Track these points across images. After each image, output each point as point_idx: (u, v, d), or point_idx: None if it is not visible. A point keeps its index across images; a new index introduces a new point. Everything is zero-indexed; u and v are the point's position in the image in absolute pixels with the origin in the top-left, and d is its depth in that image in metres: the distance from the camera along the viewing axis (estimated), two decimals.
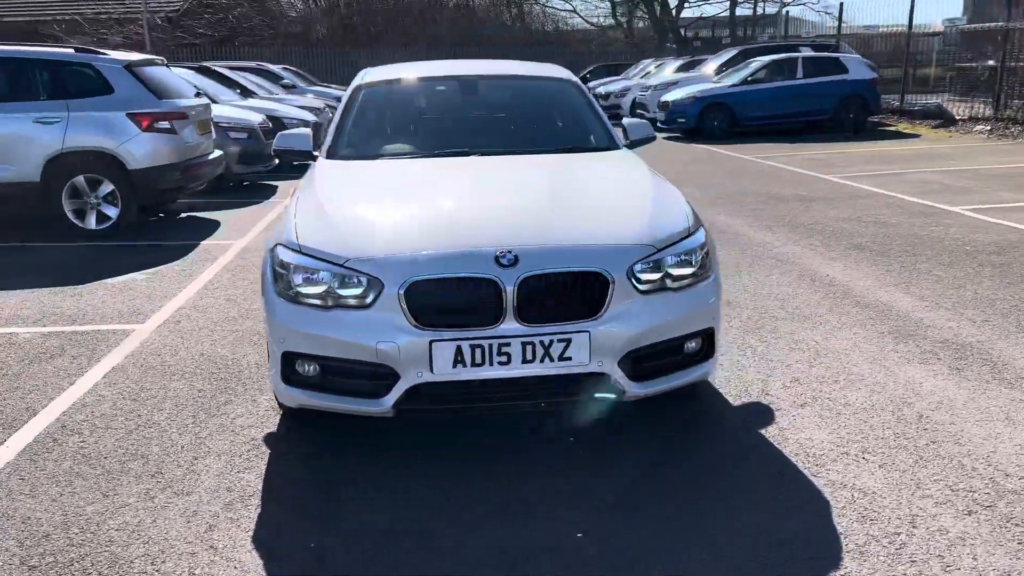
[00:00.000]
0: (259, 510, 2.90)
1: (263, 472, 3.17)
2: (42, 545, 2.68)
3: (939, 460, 3.16)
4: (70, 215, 7.69)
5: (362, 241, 3.15)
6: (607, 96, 22.52)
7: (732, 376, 4.05)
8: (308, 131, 4.61)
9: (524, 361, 2.99)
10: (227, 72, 14.91)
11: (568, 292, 3.05)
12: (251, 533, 2.74)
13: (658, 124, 17.64)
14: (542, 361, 3.01)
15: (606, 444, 3.38)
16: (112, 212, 7.75)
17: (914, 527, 2.71)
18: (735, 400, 3.79)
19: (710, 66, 19.66)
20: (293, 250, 3.20)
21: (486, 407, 3.21)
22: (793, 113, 16.34)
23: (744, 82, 16.51)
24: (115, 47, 15.76)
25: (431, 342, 2.95)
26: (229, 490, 3.03)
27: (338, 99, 14.35)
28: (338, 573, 2.53)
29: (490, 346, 2.97)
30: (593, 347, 3.02)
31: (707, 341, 3.35)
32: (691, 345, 3.30)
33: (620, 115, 21.80)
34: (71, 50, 7.89)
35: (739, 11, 40.14)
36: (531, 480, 3.10)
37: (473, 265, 2.99)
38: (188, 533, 2.75)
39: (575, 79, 4.99)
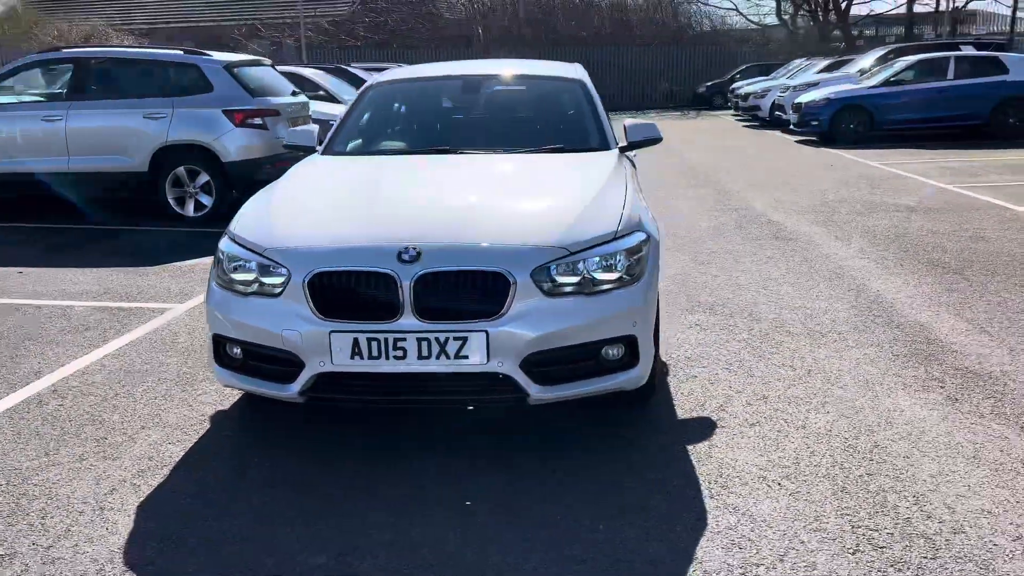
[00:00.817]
0: (163, 480, 3.11)
1: (188, 447, 3.39)
2: None
3: (861, 494, 2.89)
4: (172, 203, 8.41)
5: (284, 233, 3.29)
6: (746, 97, 21.73)
7: (698, 389, 3.87)
8: (315, 128, 4.82)
9: (420, 357, 3.02)
10: (361, 73, 15.77)
11: (468, 291, 3.04)
12: (142, 499, 2.95)
13: (791, 126, 16.88)
14: (438, 358, 3.02)
15: (507, 444, 3.33)
16: (207, 201, 8.41)
17: (781, 560, 2.51)
18: (684, 414, 3.63)
19: (856, 66, 18.51)
20: (230, 239, 3.40)
21: (387, 401, 3.26)
22: (941, 117, 15.06)
23: (886, 83, 15.40)
24: (268, 50, 16.93)
25: (330, 332, 3.04)
26: (150, 459, 3.26)
27: None
28: (204, 536, 2.68)
29: (386, 340, 3.02)
30: (492, 347, 3.00)
31: (628, 350, 3.24)
32: (610, 352, 3.20)
33: (758, 116, 20.96)
34: (180, 51, 8.62)
35: (918, 7, 37.42)
36: (430, 475, 3.12)
37: (373, 260, 3.05)
38: (89, 493, 3.00)
39: (584, 79, 4.92)
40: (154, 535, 2.72)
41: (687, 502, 2.88)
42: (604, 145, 4.45)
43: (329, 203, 3.62)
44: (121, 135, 8.27)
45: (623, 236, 3.29)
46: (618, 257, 3.22)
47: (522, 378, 3.06)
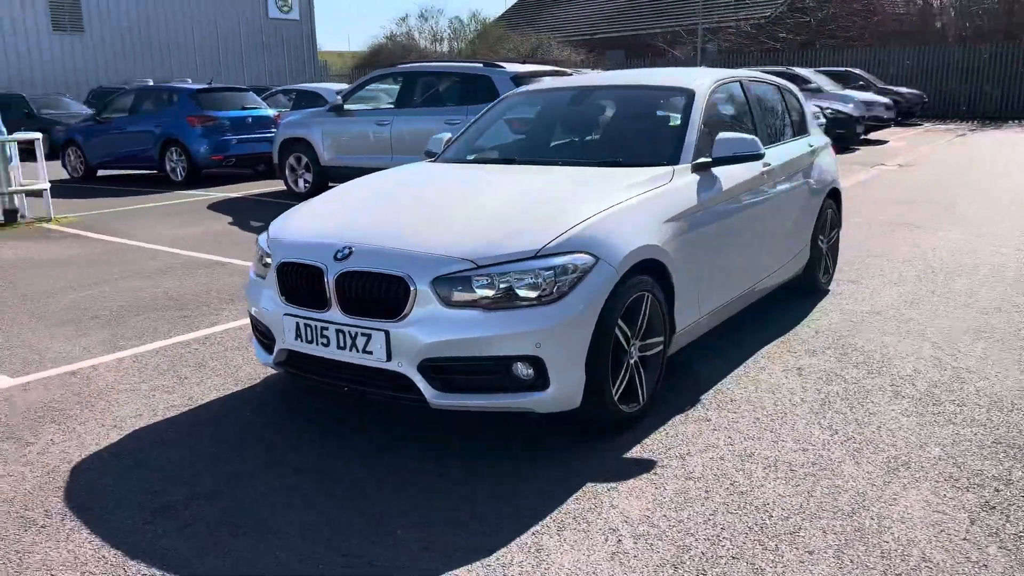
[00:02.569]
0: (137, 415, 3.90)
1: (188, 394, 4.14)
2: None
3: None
4: None
5: (288, 228, 3.83)
6: None
7: (668, 430, 3.52)
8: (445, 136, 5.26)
9: (338, 347, 3.36)
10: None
11: (377, 292, 3.27)
12: (103, 417, 3.76)
13: None
14: (350, 350, 3.32)
15: (421, 437, 3.44)
16: None
17: None
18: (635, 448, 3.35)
19: None
20: (264, 232, 4.05)
21: (325, 382, 3.59)
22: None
23: None
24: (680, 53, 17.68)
25: (283, 315, 3.53)
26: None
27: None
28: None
29: (315, 327, 3.42)
30: (392, 347, 3.21)
31: (537, 370, 3.16)
32: (521, 370, 3.16)
33: None
34: (479, 64, 9.65)
35: None
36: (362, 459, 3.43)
37: (313, 255, 3.45)
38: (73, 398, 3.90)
39: (694, 87, 4.56)
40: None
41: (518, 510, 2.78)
42: (673, 159, 4.16)
43: (345, 205, 4.06)
44: (428, 138, 9.57)
45: (552, 255, 3.20)
46: (539, 275, 3.16)
47: (420, 380, 3.20)
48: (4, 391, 4.21)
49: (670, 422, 3.66)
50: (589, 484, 3.10)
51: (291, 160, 11.01)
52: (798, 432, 3.53)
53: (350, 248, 3.37)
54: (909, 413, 3.71)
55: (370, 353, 3.26)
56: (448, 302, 3.17)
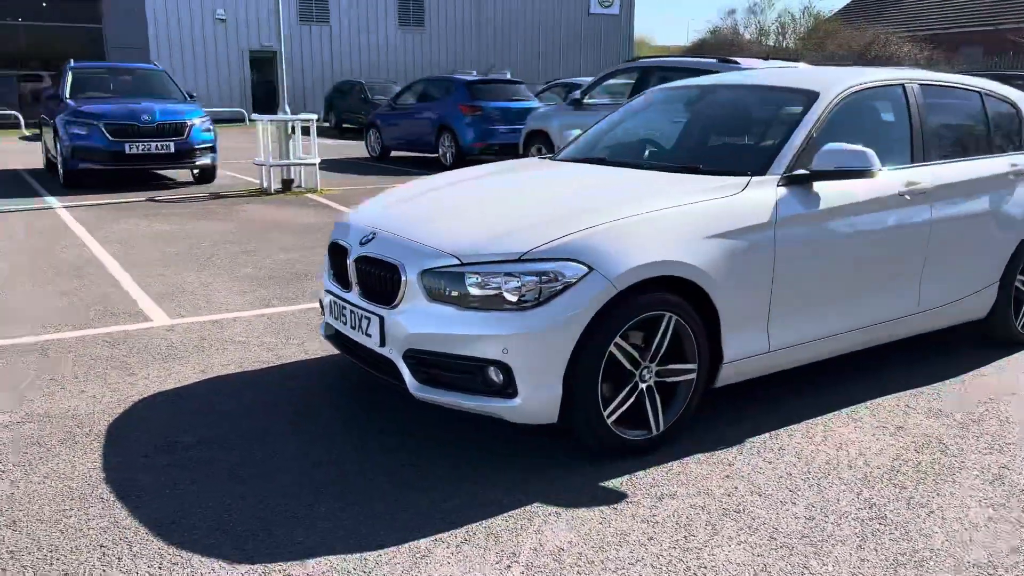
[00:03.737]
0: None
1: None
2: None
3: None
4: None
5: (357, 210, 4.03)
6: None
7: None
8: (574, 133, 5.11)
9: (351, 327, 3.51)
10: None
11: (382, 278, 3.36)
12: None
13: None
14: (356, 330, 3.46)
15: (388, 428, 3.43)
16: None
17: None
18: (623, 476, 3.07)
19: None
20: None
21: (353, 360, 3.71)
22: None
23: None
24: None
25: (325, 291, 3.77)
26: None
27: None
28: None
29: (339, 306, 3.61)
30: (385, 333, 3.31)
31: (505, 377, 3.04)
32: (493, 374, 3.08)
33: None
34: (713, 60, 9.15)
35: None
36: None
37: (348, 237, 3.64)
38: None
39: (820, 89, 3.93)
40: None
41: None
42: (760, 169, 3.67)
43: (406, 194, 4.14)
44: None
45: (538, 260, 3.05)
46: (521, 279, 3.04)
47: (404, 369, 3.25)
48: (154, 328, 4.98)
49: (686, 458, 3.30)
50: (537, 504, 2.93)
51: (532, 151, 11.38)
52: (824, 502, 2.99)
53: (374, 233, 3.50)
54: (994, 520, 2.96)
55: (370, 336, 3.37)
56: (432, 295, 3.16)
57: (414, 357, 3.20)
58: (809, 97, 3.99)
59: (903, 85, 4.30)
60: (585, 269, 3.05)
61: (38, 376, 4.13)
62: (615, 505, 2.94)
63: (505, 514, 2.86)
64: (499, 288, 3.05)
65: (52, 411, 3.70)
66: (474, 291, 3.09)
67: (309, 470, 3.17)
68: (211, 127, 11.15)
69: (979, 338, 4.80)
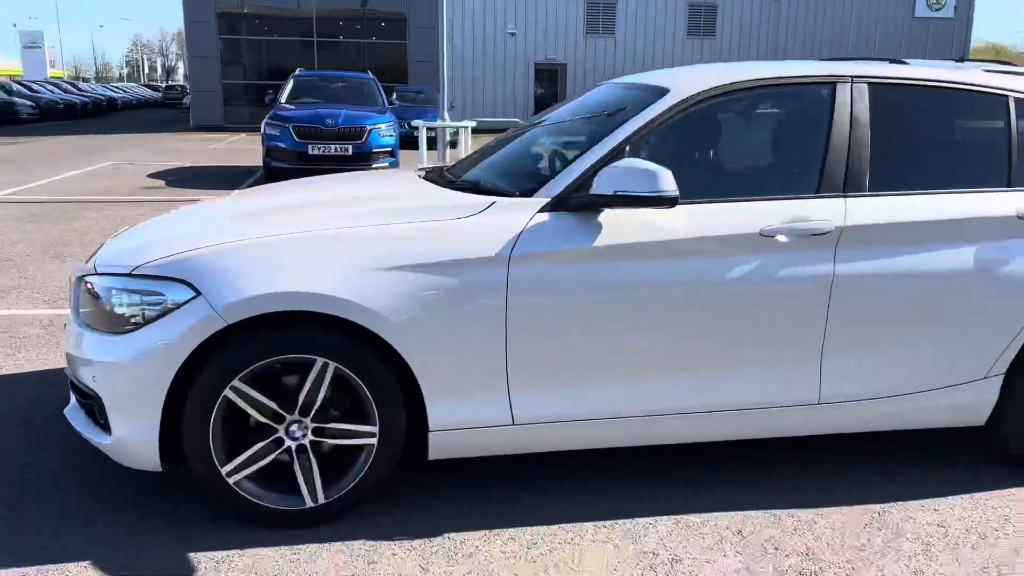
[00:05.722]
0: None
1: None
2: None
3: None
4: None
5: None
6: None
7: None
8: None
9: None
10: None
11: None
12: None
13: None
14: None
15: None
16: None
17: None
18: None
19: None
20: None
21: None
22: None
23: None
24: None
25: None
26: None
27: None
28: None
29: None
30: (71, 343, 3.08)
31: (100, 409, 2.66)
32: (96, 405, 2.73)
33: None
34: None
35: None
36: None
37: None
38: None
39: (671, 86, 2.87)
40: None
41: None
42: (529, 190, 2.82)
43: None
44: None
45: (144, 277, 2.62)
46: (130, 296, 2.64)
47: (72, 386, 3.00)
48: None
49: (334, 543, 2.64)
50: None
51: None
52: None
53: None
54: None
55: None
56: (79, 309, 2.87)
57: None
58: (654, 97, 3.00)
59: (834, 84, 3.06)
60: (192, 293, 2.56)
61: None
62: None
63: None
64: (105, 304, 2.67)
65: None
66: (86, 307, 2.76)
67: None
68: (393, 132, 11.63)
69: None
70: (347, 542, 2.64)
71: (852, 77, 3.07)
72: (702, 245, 2.79)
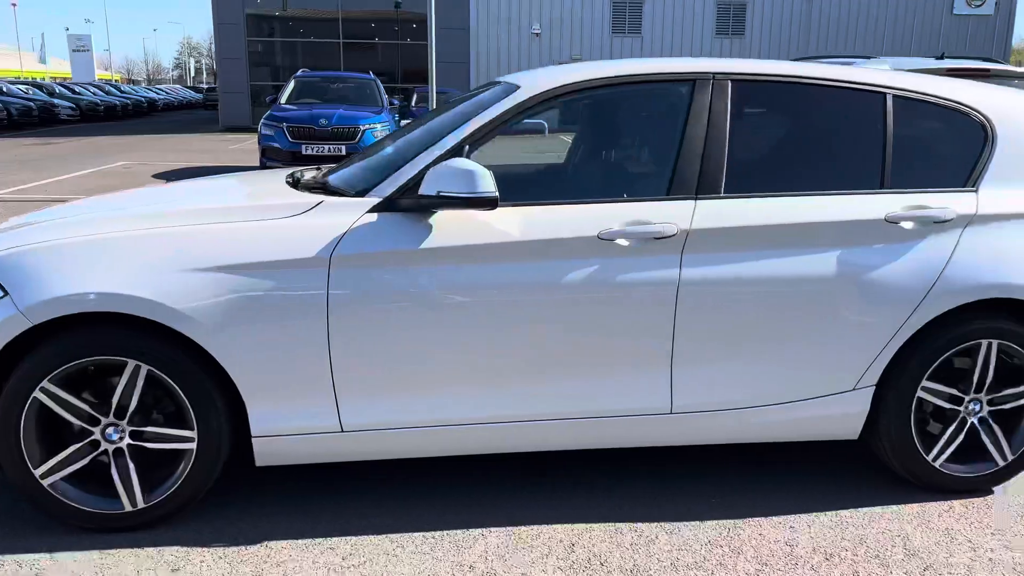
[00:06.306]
0: None
1: None
2: None
3: None
4: None
5: None
6: None
7: None
8: None
9: None
10: None
11: None
12: None
13: None
14: None
15: None
16: None
17: None
18: None
19: None
20: None
21: None
22: None
23: None
24: None
25: None
26: None
27: None
28: None
29: None
30: None
31: None
32: None
33: None
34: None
35: None
36: None
37: None
38: None
39: (523, 83, 2.76)
40: None
41: None
42: (365, 189, 2.75)
43: None
44: None
45: None
46: None
47: None
48: None
49: (127, 548, 2.60)
50: None
51: None
52: None
53: None
54: None
55: None
56: None
57: None
58: (504, 95, 2.91)
59: (694, 82, 2.93)
60: (1, 293, 2.54)
61: None
62: None
63: None
64: None
65: None
66: None
67: None
68: (388, 133, 11.63)
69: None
70: (162, 548, 2.60)
71: (714, 75, 2.94)
72: (536, 248, 2.69)
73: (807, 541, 2.72)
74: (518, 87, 2.92)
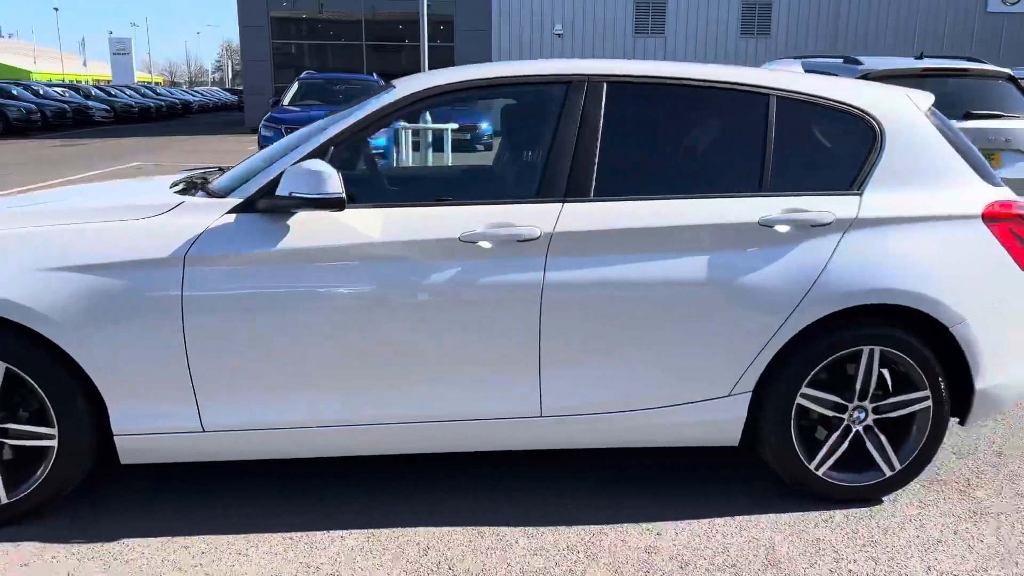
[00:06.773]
0: None
1: None
2: None
3: None
4: None
5: None
6: None
7: None
8: None
9: None
10: None
11: None
12: None
13: None
14: None
15: None
16: None
17: None
18: None
19: None
20: None
21: None
22: None
23: None
24: None
25: None
26: None
27: None
28: None
29: None
30: None
31: None
32: None
33: None
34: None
35: None
36: None
37: None
38: None
39: (395, 84, 2.75)
40: None
41: None
42: (232, 191, 2.77)
43: None
44: None
45: None
46: None
47: None
48: None
49: None
50: None
51: None
52: None
53: None
54: None
55: None
56: None
57: None
58: (385, 93, 2.93)
59: (568, 83, 2.89)
60: None
61: None
62: None
63: None
64: None
65: None
66: None
67: None
68: (386, 134, 11.70)
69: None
70: (18, 543, 2.64)
71: (588, 76, 2.90)
72: (395, 250, 2.69)
73: (669, 549, 2.67)
74: (394, 88, 2.91)
